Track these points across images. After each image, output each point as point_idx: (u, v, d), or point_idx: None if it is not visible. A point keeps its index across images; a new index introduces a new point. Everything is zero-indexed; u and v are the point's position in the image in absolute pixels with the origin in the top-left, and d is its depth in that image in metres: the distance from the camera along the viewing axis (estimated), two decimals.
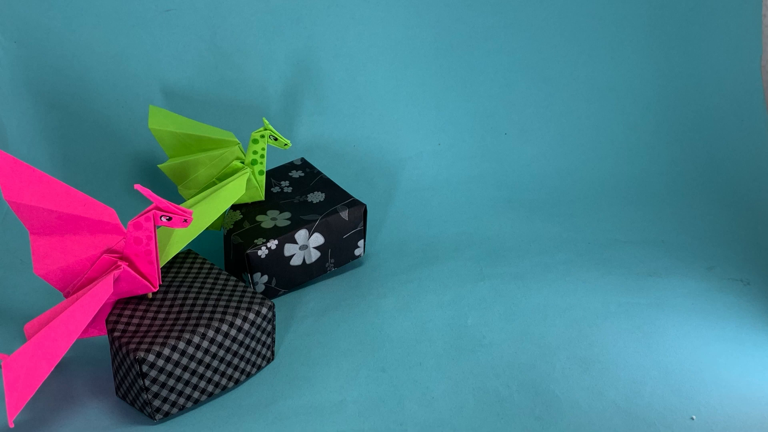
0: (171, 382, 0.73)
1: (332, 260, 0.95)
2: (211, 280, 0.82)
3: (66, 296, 0.78)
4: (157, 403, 0.74)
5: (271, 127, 0.94)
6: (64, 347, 0.69)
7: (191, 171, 0.95)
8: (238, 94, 1.14)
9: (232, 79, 1.13)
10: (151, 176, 1.07)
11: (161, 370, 0.72)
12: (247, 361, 0.79)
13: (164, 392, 0.73)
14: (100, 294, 0.73)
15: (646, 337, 0.86)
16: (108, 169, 1.07)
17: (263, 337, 0.80)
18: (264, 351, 0.81)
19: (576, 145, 1.18)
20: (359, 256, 0.98)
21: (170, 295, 0.80)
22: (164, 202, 0.72)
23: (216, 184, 0.94)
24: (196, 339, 0.74)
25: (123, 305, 0.78)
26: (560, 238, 1.05)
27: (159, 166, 0.96)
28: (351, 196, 0.97)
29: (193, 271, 0.84)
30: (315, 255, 0.94)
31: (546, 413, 0.76)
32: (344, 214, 0.94)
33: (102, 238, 0.75)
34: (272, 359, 0.83)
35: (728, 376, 0.80)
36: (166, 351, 0.72)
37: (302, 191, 0.99)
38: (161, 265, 0.79)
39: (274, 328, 0.82)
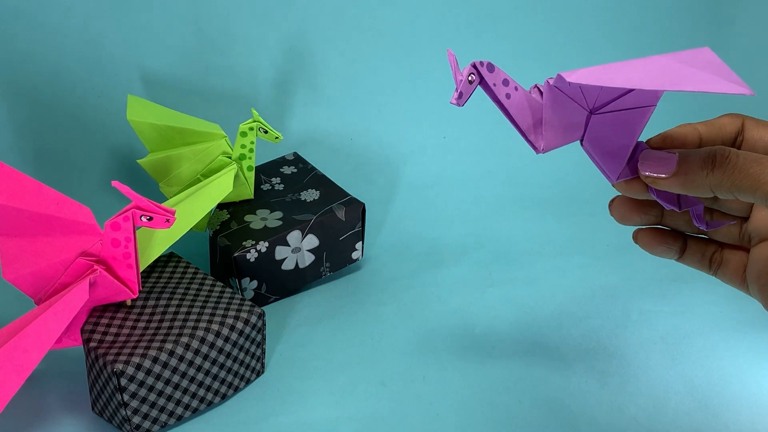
0: (152, 397, 0.73)
1: (327, 264, 0.96)
2: (196, 286, 0.82)
3: (37, 303, 0.78)
4: (136, 420, 0.74)
5: (260, 118, 0.94)
6: (35, 359, 0.68)
7: (174, 166, 0.95)
8: (224, 83, 1.13)
9: (218, 66, 1.13)
10: (129, 172, 1.07)
11: (141, 383, 0.72)
12: (235, 374, 0.79)
13: (145, 408, 0.73)
14: (75, 300, 0.72)
15: (670, 348, 0.86)
16: (83, 164, 1.07)
17: (252, 348, 0.80)
18: (253, 363, 0.81)
19: None
20: (357, 259, 0.98)
21: (151, 302, 0.80)
22: (144, 201, 0.72)
23: (201, 180, 0.94)
24: (179, 350, 0.74)
25: (99, 313, 0.78)
26: (577, 240, 1.05)
27: (138, 161, 0.96)
28: (348, 194, 0.97)
29: (175, 275, 0.84)
30: (309, 258, 0.94)
31: (561, 431, 0.76)
32: (341, 214, 0.94)
33: (76, 240, 0.74)
34: (262, 372, 0.83)
35: (760, 391, 0.80)
36: (147, 363, 0.72)
37: (295, 189, 0.99)
38: (141, 270, 0.79)
39: (264, 338, 0.82)
